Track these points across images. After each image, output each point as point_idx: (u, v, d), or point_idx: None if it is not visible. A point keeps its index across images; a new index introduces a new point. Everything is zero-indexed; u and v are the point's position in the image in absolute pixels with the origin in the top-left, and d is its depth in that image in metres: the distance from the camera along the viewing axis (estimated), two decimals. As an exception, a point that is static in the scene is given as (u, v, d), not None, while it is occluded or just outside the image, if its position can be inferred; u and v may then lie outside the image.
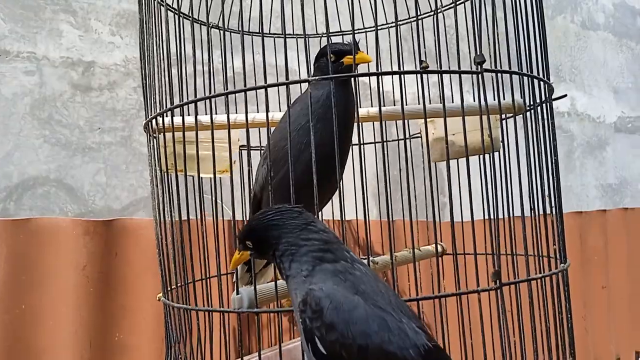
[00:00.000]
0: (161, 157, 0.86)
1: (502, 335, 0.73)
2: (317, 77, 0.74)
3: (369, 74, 0.76)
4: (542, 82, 0.88)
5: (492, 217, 0.74)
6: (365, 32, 1.26)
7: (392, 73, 0.75)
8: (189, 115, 0.81)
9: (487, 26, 0.81)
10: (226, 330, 0.82)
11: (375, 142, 1.27)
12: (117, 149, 1.30)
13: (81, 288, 1.14)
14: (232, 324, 1.22)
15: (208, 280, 0.86)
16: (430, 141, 1.09)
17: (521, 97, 0.86)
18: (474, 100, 0.76)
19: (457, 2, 0.79)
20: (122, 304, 1.19)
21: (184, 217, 0.82)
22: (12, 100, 1.20)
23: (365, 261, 0.78)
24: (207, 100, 0.76)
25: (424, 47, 0.95)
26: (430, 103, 0.78)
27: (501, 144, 0.89)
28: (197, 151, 0.78)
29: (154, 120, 0.87)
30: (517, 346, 0.76)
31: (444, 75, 0.74)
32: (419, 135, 1.21)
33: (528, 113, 0.88)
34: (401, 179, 0.93)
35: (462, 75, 0.74)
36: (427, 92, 0.71)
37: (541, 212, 0.84)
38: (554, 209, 0.87)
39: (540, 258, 0.85)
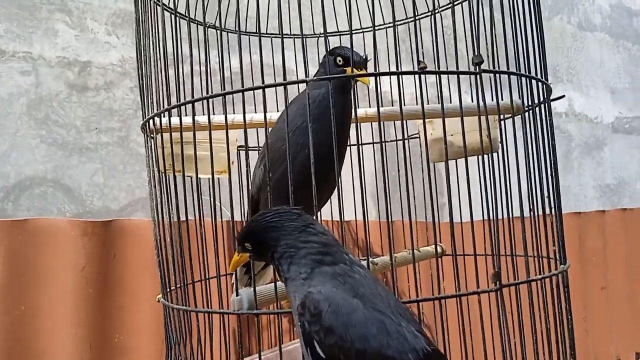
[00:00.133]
0: (159, 158, 0.86)
1: (503, 337, 0.73)
2: (314, 78, 0.74)
3: (367, 75, 0.75)
4: (540, 83, 0.88)
5: (491, 217, 0.74)
6: (363, 32, 1.25)
7: (390, 74, 0.75)
8: (186, 115, 0.80)
9: (485, 27, 0.81)
10: (226, 332, 0.81)
11: (373, 143, 1.27)
12: (114, 149, 1.29)
13: (80, 289, 1.14)
14: (232, 325, 1.21)
15: (207, 281, 0.86)
16: (429, 142, 1.09)
17: (519, 98, 0.86)
18: (472, 101, 0.75)
19: (455, 3, 0.78)
20: (121, 305, 1.18)
21: (183, 218, 0.81)
22: (8, 100, 1.20)
23: (365, 262, 0.78)
24: (205, 101, 0.75)
25: (422, 48, 0.95)
26: (428, 103, 0.78)
27: (500, 144, 0.89)
28: (195, 152, 0.77)
29: (151, 121, 0.87)
30: (517, 348, 0.76)
31: (441, 75, 0.74)
32: (417, 135, 1.21)
33: (526, 113, 0.88)
34: (400, 179, 0.92)
35: (460, 75, 0.74)
36: (425, 92, 0.71)
37: (540, 212, 0.84)
38: (553, 209, 0.87)
39: (540, 259, 0.84)
